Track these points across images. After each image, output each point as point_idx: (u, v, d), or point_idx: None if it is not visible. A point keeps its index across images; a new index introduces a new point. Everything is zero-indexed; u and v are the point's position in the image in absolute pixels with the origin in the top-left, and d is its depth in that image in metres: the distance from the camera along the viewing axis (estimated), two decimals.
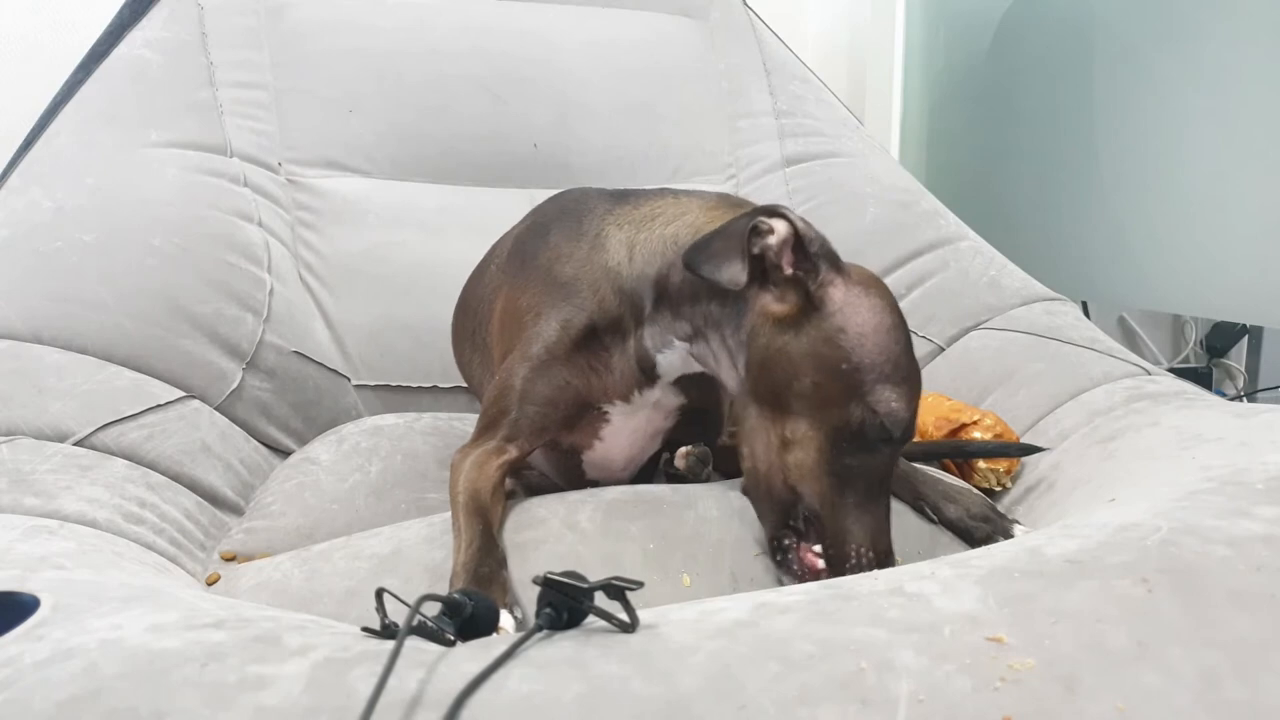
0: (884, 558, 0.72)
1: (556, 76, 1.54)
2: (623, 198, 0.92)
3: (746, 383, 0.77)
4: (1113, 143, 1.64)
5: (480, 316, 1.03)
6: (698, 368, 0.86)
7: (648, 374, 0.87)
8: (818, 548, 0.75)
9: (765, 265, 0.75)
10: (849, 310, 0.73)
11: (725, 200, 0.88)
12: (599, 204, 0.92)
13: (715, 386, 0.92)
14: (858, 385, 0.71)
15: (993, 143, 1.93)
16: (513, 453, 0.86)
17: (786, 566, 0.75)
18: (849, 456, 0.72)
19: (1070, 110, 1.72)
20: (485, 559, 0.75)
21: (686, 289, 0.81)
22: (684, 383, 0.89)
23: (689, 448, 0.92)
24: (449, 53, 1.50)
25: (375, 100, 1.45)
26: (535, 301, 0.89)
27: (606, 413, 0.90)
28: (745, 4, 1.71)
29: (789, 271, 0.74)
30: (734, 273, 0.72)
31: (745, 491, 0.82)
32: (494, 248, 1.09)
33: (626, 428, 0.91)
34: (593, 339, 0.86)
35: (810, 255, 0.74)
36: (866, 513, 0.73)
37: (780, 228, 0.74)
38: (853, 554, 0.71)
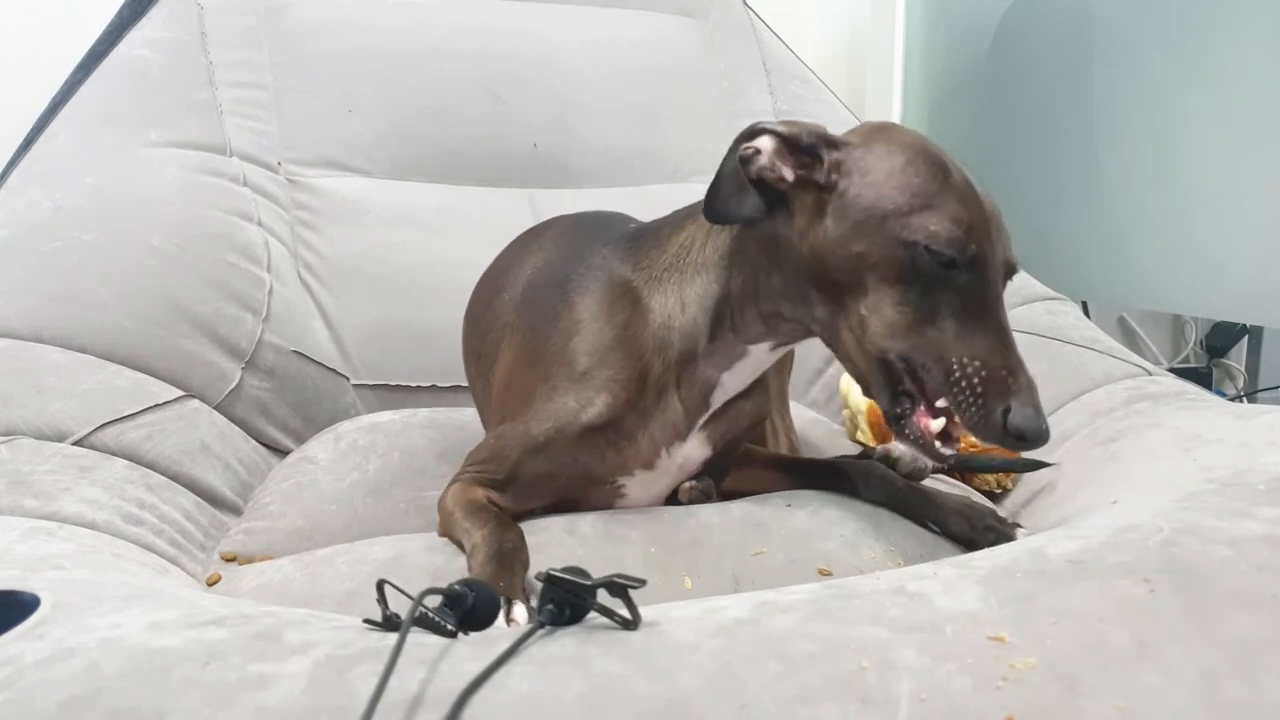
0: (996, 370, 0.69)
1: (556, 76, 1.54)
2: (639, 242, 0.86)
3: (823, 300, 0.75)
4: (1113, 143, 1.64)
5: (487, 348, 0.97)
6: (768, 361, 0.85)
7: (696, 412, 0.85)
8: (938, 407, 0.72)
9: (773, 185, 0.75)
10: (858, 174, 0.73)
11: None
12: (620, 253, 0.86)
13: (745, 427, 0.91)
14: (894, 231, 0.70)
15: (992, 143, 1.93)
16: (496, 497, 0.84)
17: (903, 434, 0.73)
18: (925, 298, 0.70)
19: (1070, 110, 1.72)
20: (506, 534, 0.76)
21: (750, 286, 0.79)
22: (713, 427, 0.87)
23: (692, 482, 0.91)
24: (449, 53, 1.50)
25: (375, 100, 1.44)
26: (549, 374, 0.84)
27: (621, 486, 0.87)
28: (745, 4, 1.71)
29: (792, 177, 0.74)
30: (743, 207, 0.75)
31: (862, 389, 0.78)
32: (504, 267, 1.02)
33: (644, 497, 0.88)
34: (620, 414, 0.82)
35: (806, 149, 0.74)
36: (959, 335, 0.70)
37: (765, 143, 0.74)
38: (954, 370, 0.69)
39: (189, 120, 1.31)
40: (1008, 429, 0.67)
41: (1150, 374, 1.16)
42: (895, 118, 2.00)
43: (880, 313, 0.71)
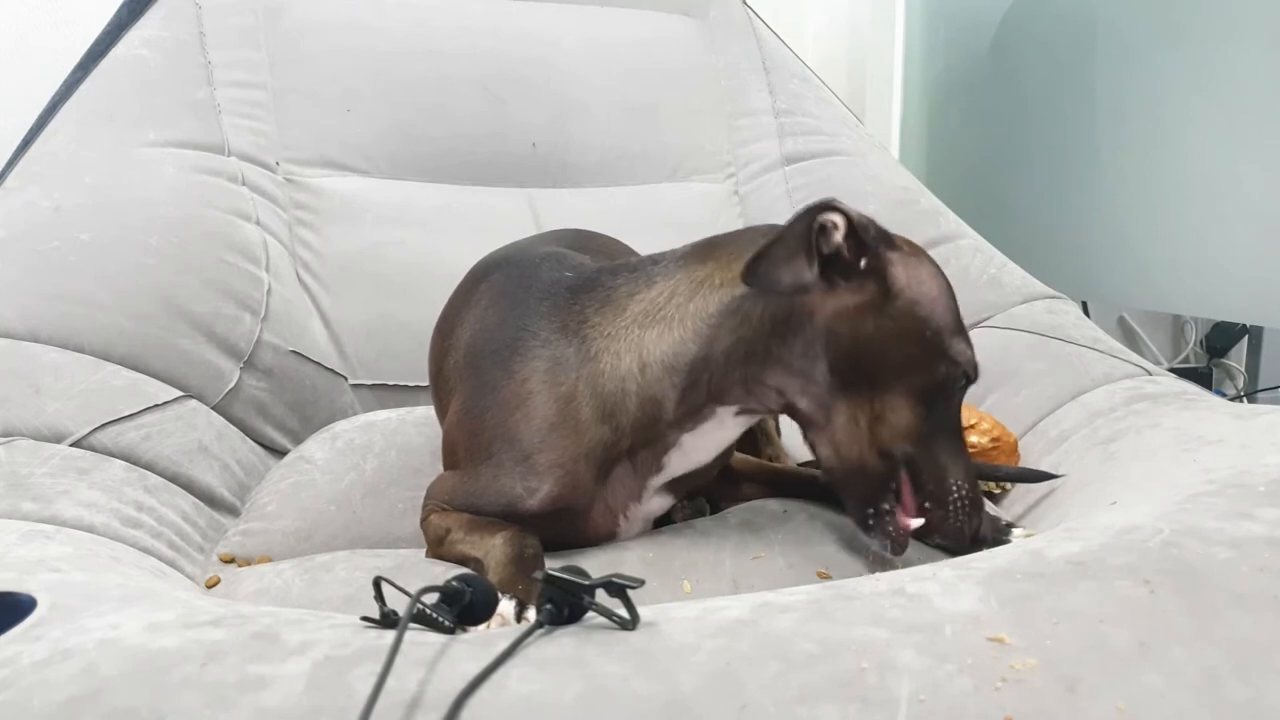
0: (975, 491, 0.78)
1: (555, 76, 1.53)
2: (586, 298, 0.82)
3: (831, 382, 0.75)
4: (1113, 142, 1.64)
5: (441, 396, 0.95)
6: (734, 431, 0.83)
7: (649, 473, 0.82)
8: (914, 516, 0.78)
9: (848, 263, 0.75)
10: (915, 282, 0.76)
11: (708, 246, 0.82)
12: (562, 311, 0.82)
13: (708, 480, 0.89)
14: (940, 345, 0.76)
15: (993, 143, 1.93)
16: None
17: (881, 531, 0.77)
18: (937, 408, 0.76)
19: (1070, 110, 1.72)
20: (527, 539, 0.76)
21: (739, 350, 0.77)
22: (673, 483, 0.85)
23: (684, 502, 0.90)
24: (448, 52, 1.50)
25: (374, 99, 1.44)
26: (492, 449, 0.81)
27: (591, 549, 0.84)
28: (744, 2, 1.70)
29: (864, 263, 0.75)
30: (803, 275, 0.72)
31: (828, 481, 0.80)
32: (449, 325, 0.97)
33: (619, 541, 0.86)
34: (567, 500, 0.80)
35: (870, 240, 0.75)
36: (955, 453, 0.78)
37: (841, 221, 0.74)
38: (953, 489, 0.77)
39: (187, 120, 1.30)
40: (976, 538, 0.78)
41: (1150, 374, 1.16)
42: (895, 118, 2.00)
43: (900, 414, 0.75)
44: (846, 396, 0.75)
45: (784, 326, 0.76)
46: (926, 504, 0.77)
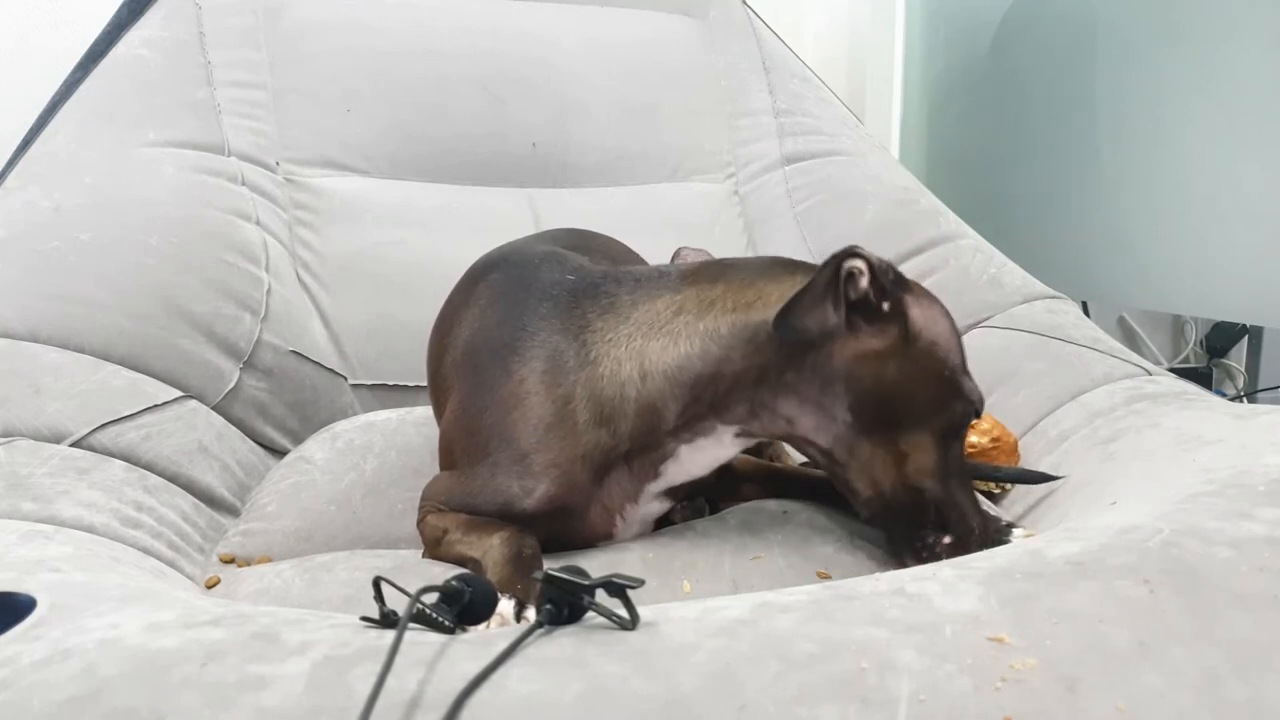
0: (987, 525, 0.79)
1: (555, 76, 1.53)
2: (586, 303, 0.82)
3: (854, 424, 0.76)
4: (1113, 142, 1.64)
5: (438, 395, 0.96)
6: (731, 450, 0.82)
7: (645, 478, 0.82)
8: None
9: (872, 307, 0.76)
10: (931, 323, 0.78)
11: (718, 267, 0.83)
12: (562, 314, 0.82)
13: (705, 483, 0.88)
14: (955, 384, 0.78)
15: (993, 143, 1.93)
16: None
17: (934, 558, 0.76)
18: (950, 445, 0.78)
19: (1071, 110, 1.72)
20: (525, 539, 0.76)
21: (750, 374, 0.77)
22: (670, 489, 0.84)
23: (683, 502, 0.90)
24: (448, 52, 1.50)
25: (373, 99, 1.44)
26: (489, 448, 0.81)
27: (590, 550, 0.84)
28: (744, 2, 1.71)
29: (887, 307, 0.76)
30: (828, 321, 0.74)
31: (869, 520, 0.82)
32: (447, 325, 0.98)
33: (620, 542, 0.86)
34: (563, 501, 0.80)
35: (890, 285, 0.76)
36: (969, 488, 0.80)
37: (864, 267, 0.75)
38: (973, 524, 0.78)
39: (187, 120, 1.31)
40: None
41: (1150, 374, 1.16)
42: (895, 118, 2.00)
43: (925, 453, 0.77)
44: (870, 436, 0.76)
45: (800, 360, 0.76)
46: (947, 539, 0.78)
